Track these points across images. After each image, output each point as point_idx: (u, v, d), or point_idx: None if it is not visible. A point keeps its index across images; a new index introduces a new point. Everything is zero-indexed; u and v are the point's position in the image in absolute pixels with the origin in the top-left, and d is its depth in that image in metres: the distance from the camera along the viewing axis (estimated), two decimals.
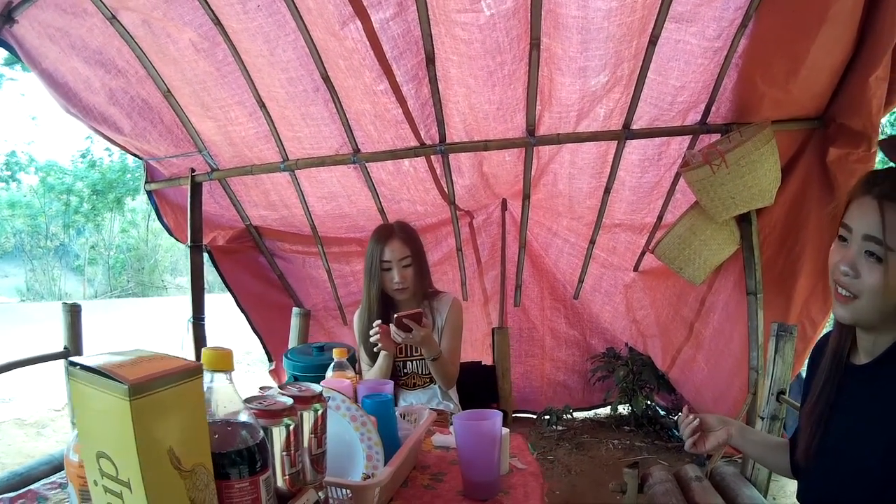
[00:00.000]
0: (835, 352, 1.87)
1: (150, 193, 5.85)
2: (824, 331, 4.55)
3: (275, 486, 1.37)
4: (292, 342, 5.85)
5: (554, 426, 6.27)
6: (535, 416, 6.53)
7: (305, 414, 1.55)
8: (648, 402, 6.27)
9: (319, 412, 1.59)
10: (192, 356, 5.29)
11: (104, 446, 1.10)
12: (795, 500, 2.01)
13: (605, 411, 6.72)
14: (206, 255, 5.88)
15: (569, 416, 6.42)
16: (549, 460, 5.54)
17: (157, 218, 6.04)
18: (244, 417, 1.30)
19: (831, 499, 1.78)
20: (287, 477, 1.45)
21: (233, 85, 4.63)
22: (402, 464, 2.05)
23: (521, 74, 4.18)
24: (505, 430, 2.28)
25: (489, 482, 2.05)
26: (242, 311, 6.26)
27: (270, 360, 6.53)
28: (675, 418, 6.21)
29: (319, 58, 4.30)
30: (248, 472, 1.25)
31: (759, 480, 3.45)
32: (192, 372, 1.14)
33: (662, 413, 6.47)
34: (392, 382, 2.58)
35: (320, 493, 1.59)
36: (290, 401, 1.48)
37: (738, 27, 3.97)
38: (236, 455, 1.24)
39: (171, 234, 6.03)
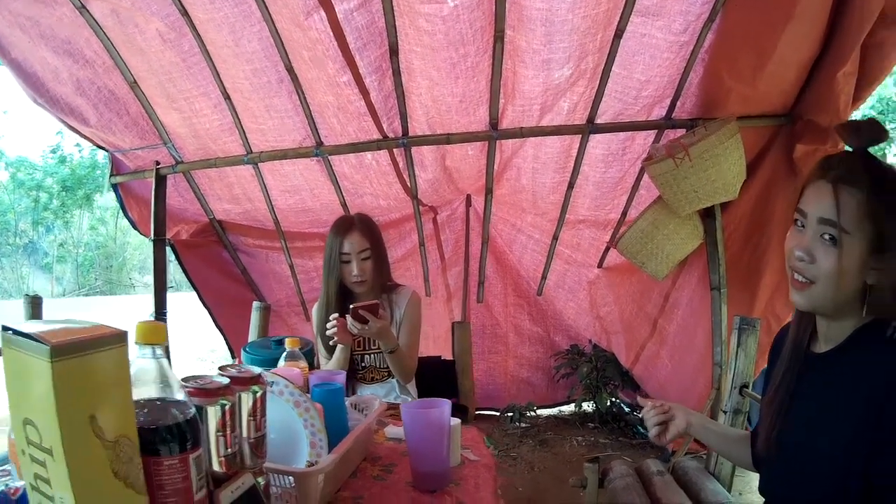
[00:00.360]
0: (794, 340, 1.86)
1: (115, 187, 5.78)
2: None
3: (209, 468, 1.33)
4: (252, 336, 5.82)
5: (517, 423, 6.26)
6: (498, 414, 6.53)
7: (244, 395, 1.51)
8: (613, 399, 6.28)
9: (258, 394, 1.55)
10: None
11: (30, 413, 1.07)
12: (759, 494, 1.99)
13: (569, 408, 6.72)
14: (169, 250, 5.83)
15: (532, 414, 6.43)
16: (512, 457, 5.53)
17: (122, 212, 5.97)
18: (177, 395, 1.26)
19: (792, 489, 1.76)
20: (223, 459, 1.41)
21: (198, 76, 4.59)
22: (351, 454, 2.02)
23: (485, 67, 4.16)
24: (455, 421, 2.24)
25: (438, 473, 2.01)
26: (205, 306, 6.21)
27: (233, 357, 6.48)
28: (640, 415, 6.25)
29: (284, 49, 4.26)
30: (177, 450, 1.21)
31: (722, 475, 3.43)
32: (116, 339, 1.11)
33: (627, 410, 6.48)
34: (344, 373, 2.54)
35: (260, 479, 1.54)
36: (226, 381, 1.44)
37: (704, 22, 3.98)
38: (165, 431, 1.20)
39: (135, 227, 5.96)
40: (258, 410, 1.55)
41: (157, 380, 1.25)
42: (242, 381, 1.51)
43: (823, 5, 3.87)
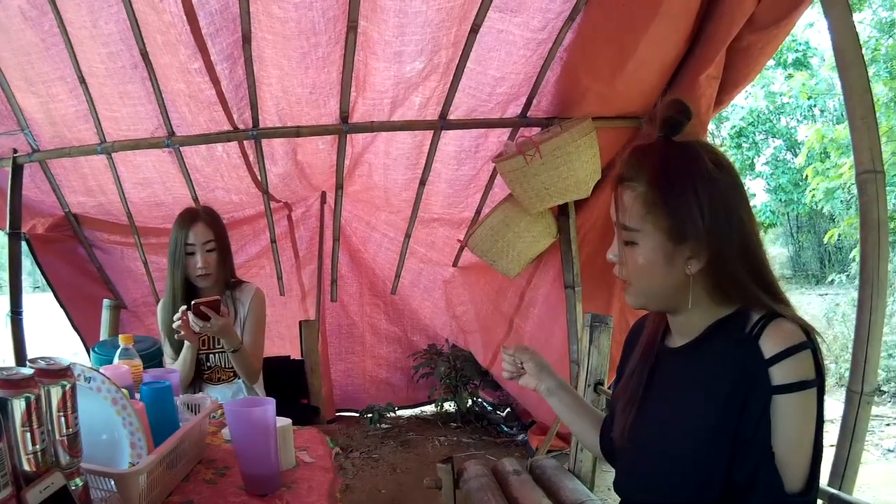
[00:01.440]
0: (649, 334, 1.85)
1: None
2: None
3: (13, 464, 1.24)
4: (104, 336, 5.54)
5: (378, 424, 6.20)
6: (358, 415, 6.47)
7: (53, 389, 1.40)
8: (474, 399, 6.29)
9: (67, 388, 1.44)
10: (10, 353, 4.96)
11: None
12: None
13: (431, 408, 6.72)
14: (25, 245, 5.51)
15: (393, 414, 6.40)
16: (374, 459, 5.47)
17: None
18: None
19: (646, 482, 1.73)
20: (30, 456, 1.31)
21: (56, 59, 4.32)
22: (181, 455, 1.93)
23: (336, 58, 4.08)
24: (286, 421, 2.17)
25: (267, 475, 1.93)
26: (61, 305, 5.93)
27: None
28: (504, 413, 6.27)
29: (139, 32, 4.05)
30: None
31: (583, 472, 3.43)
32: None
33: (489, 409, 6.51)
34: (178, 371, 2.44)
35: (78, 480, 1.44)
36: (30, 372, 1.33)
37: (565, 20, 3.99)
38: None
39: None
40: (68, 405, 1.44)
41: None
42: (50, 374, 1.40)
43: (690, 7, 3.92)
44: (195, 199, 5.21)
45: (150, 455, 1.73)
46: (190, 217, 3.40)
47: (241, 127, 4.60)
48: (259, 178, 5.11)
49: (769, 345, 1.47)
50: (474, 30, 4.01)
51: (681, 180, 1.56)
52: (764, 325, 1.51)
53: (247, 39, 3.98)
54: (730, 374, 1.52)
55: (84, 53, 4.26)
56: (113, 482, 1.60)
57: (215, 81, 4.21)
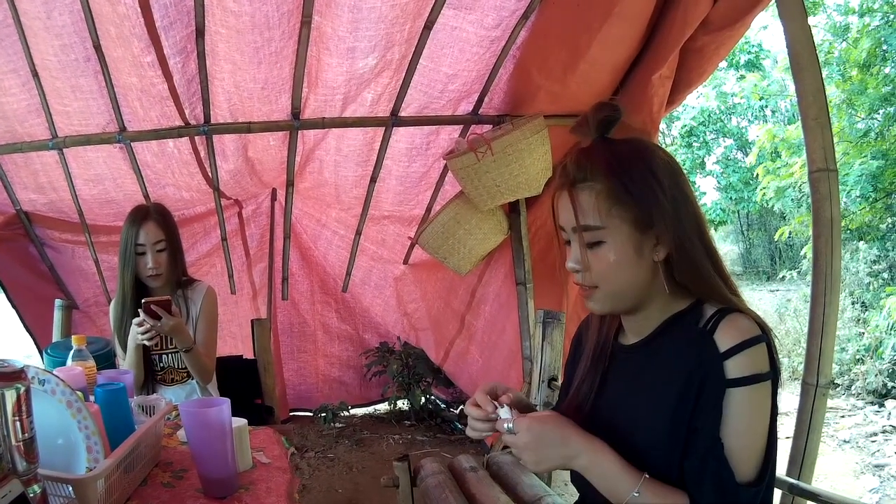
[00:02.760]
0: (600, 333, 1.85)
1: None
2: None
3: None
4: (56, 337, 5.41)
5: (332, 424, 6.17)
6: (312, 414, 6.42)
7: (7, 392, 1.36)
8: (427, 396, 6.29)
9: (21, 391, 1.40)
10: None
11: None
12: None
13: (385, 407, 6.71)
14: None
15: (347, 413, 6.38)
16: (329, 459, 5.45)
17: None
18: None
19: None
20: None
21: (9, 50, 4.19)
22: (138, 459, 1.90)
23: (289, 53, 4.02)
24: (241, 422, 2.15)
25: (224, 477, 1.92)
26: (13, 305, 5.81)
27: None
28: (457, 411, 6.27)
29: (94, 24, 3.95)
30: None
31: None
32: None
33: (443, 406, 6.54)
34: (132, 372, 2.40)
35: (36, 487, 1.41)
36: None
37: (519, 18, 3.98)
38: None
39: None
40: (23, 409, 1.40)
41: None
42: (3, 377, 1.36)
43: (644, 9, 3.93)
44: (146, 197, 5.11)
45: (108, 459, 1.69)
46: (140, 216, 3.35)
47: (193, 122, 4.51)
48: (210, 174, 5.03)
49: (724, 339, 1.50)
50: (428, 26, 3.99)
51: (638, 165, 1.60)
52: (718, 319, 1.53)
53: (200, 33, 3.90)
54: (685, 368, 1.54)
55: (37, 45, 4.14)
56: (71, 488, 1.57)
57: (168, 76, 4.13)
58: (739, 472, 1.47)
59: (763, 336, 1.50)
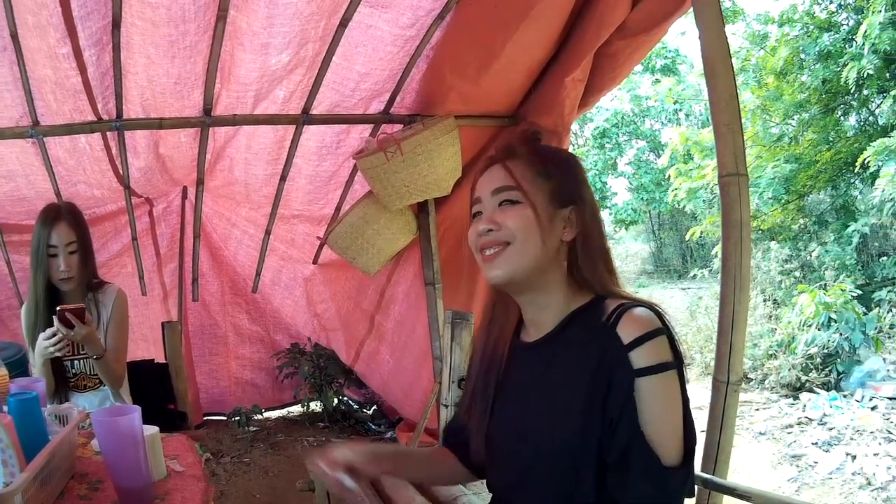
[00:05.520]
0: (500, 330, 1.86)
1: None
2: None
3: None
4: None
5: (246, 427, 6.09)
6: (226, 418, 6.34)
7: None
8: (340, 398, 6.32)
9: None
10: None
11: None
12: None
13: (298, 409, 6.67)
14: None
15: (260, 416, 6.32)
16: (245, 463, 5.37)
17: None
18: None
19: (518, 480, 1.72)
20: None
21: None
22: (54, 472, 1.85)
23: (204, 48, 3.94)
24: (153, 429, 2.11)
25: (138, 488, 1.89)
26: None
27: None
28: (370, 411, 6.27)
29: (12, 12, 3.77)
30: None
31: None
32: None
33: (356, 407, 6.53)
34: (44, 380, 2.33)
35: None
36: None
37: (434, 17, 3.99)
38: None
39: None
40: None
41: None
42: None
43: (560, 12, 3.98)
44: (58, 194, 4.92)
45: (24, 472, 1.64)
46: (52, 216, 3.27)
47: (105, 117, 4.37)
48: (121, 171, 4.90)
49: (626, 331, 1.54)
50: (343, 24, 3.96)
51: (561, 155, 1.79)
52: (620, 313, 1.57)
53: (116, 25, 3.76)
54: (591, 362, 1.56)
55: None
56: None
57: (82, 68, 3.99)
58: (663, 458, 1.50)
59: (663, 328, 1.55)
